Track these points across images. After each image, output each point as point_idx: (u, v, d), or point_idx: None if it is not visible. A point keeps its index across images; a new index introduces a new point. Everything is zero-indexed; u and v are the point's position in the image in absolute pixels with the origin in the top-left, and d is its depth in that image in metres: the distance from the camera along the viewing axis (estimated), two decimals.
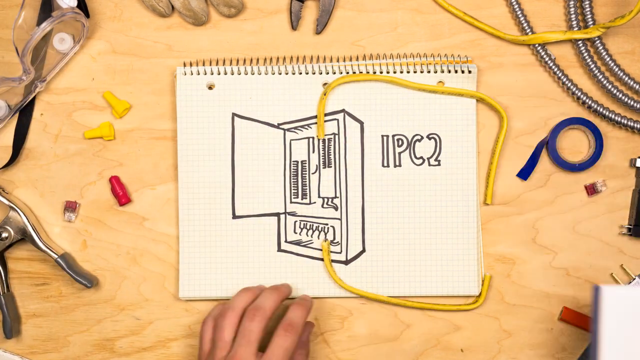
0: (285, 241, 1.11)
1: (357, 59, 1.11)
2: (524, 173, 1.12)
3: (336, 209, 1.11)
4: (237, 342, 0.98)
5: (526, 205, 1.12)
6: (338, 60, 1.12)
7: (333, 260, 1.11)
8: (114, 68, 1.12)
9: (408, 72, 1.10)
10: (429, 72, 1.10)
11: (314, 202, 1.11)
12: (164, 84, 1.12)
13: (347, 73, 1.10)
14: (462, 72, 1.10)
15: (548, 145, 1.11)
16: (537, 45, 1.11)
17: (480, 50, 1.12)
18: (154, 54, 1.12)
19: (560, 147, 1.12)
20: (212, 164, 1.11)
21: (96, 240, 1.12)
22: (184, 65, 1.11)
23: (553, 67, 1.11)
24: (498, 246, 1.12)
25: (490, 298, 1.12)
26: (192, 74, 1.10)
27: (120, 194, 1.11)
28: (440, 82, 1.11)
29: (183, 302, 1.12)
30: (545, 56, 1.11)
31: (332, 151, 1.11)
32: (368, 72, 1.10)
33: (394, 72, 1.10)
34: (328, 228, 1.11)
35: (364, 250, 1.11)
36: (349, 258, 1.11)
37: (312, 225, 1.11)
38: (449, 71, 1.10)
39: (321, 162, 1.11)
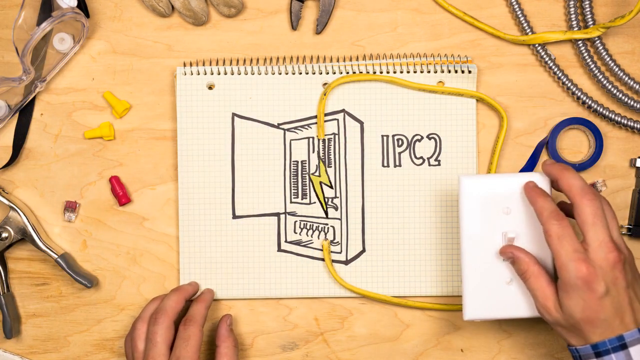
0: (285, 241, 1.11)
1: (357, 59, 1.11)
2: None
3: (336, 209, 1.11)
4: (146, 347, 1.02)
5: None
6: (338, 60, 1.11)
7: (333, 260, 1.11)
8: (114, 68, 1.11)
9: (408, 72, 1.10)
10: (429, 72, 1.10)
11: (314, 202, 1.11)
12: (164, 84, 1.12)
13: (347, 73, 1.10)
14: (462, 72, 1.10)
15: (548, 145, 1.11)
16: (537, 45, 1.11)
17: (480, 50, 1.12)
18: (154, 54, 1.12)
19: (560, 147, 1.12)
20: (212, 164, 1.11)
21: (96, 240, 1.12)
22: (184, 65, 1.11)
23: (553, 67, 1.11)
24: None
25: None
26: (192, 74, 1.10)
27: (120, 194, 1.10)
28: (440, 82, 1.10)
29: None
30: (545, 56, 1.11)
31: (332, 151, 1.11)
32: (368, 72, 1.10)
33: (394, 72, 1.10)
34: (328, 228, 1.11)
35: (364, 250, 1.11)
36: (349, 258, 1.11)
37: (312, 225, 1.11)
38: (449, 71, 1.10)
39: (321, 162, 1.11)
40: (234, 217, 1.11)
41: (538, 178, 0.99)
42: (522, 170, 1.11)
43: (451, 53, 1.11)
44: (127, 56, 1.12)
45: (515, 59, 1.12)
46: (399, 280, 1.11)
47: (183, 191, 1.11)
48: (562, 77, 1.10)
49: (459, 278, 1.11)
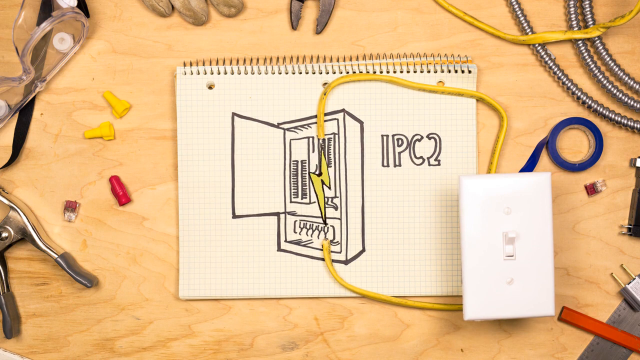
0: (285, 241, 1.10)
1: (357, 59, 1.11)
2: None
3: (336, 208, 1.11)
4: None
5: None
6: (338, 60, 1.11)
7: (333, 260, 1.10)
8: (114, 68, 1.11)
9: (408, 72, 1.10)
10: (429, 72, 1.10)
11: (314, 202, 1.11)
12: (164, 83, 1.11)
13: (347, 73, 1.10)
14: (462, 72, 1.10)
15: (548, 145, 1.10)
16: (537, 45, 1.10)
17: (480, 50, 1.11)
18: (154, 53, 1.11)
19: (560, 147, 1.12)
20: (212, 163, 1.10)
21: (96, 240, 1.11)
22: (184, 65, 1.10)
23: (553, 67, 1.10)
24: None
25: None
26: (192, 74, 1.10)
27: (120, 194, 1.10)
28: (440, 82, 1.10)
29: (183, 301, 1.12)
30: (545, 56, 1.10)
31: (332, 151, 1.10)
32: (368, 72, 1.10)
33: (394, 72, 1.10)
34: (328, 228, 1.11)
35: (363, 250, 1.10)
36: (348, 258, 1.11)
37: (312, 224, 1.11)
38: (449, 71, 1.10)
39: (323, 159, 1.11)
40: (234, 216, 1.10)
41: (538, 178, 0.99)
42: (522, 170, 1.11)
43: (451, 53, 1.11)
44: (127, 56, 1.11)
45: (515, 59, 1.12)
46: (399, 280, 1.10)
47: (183, 191, 1.10)
48: (562, 77, 1.10)
49: (459, 278, 1.10)
